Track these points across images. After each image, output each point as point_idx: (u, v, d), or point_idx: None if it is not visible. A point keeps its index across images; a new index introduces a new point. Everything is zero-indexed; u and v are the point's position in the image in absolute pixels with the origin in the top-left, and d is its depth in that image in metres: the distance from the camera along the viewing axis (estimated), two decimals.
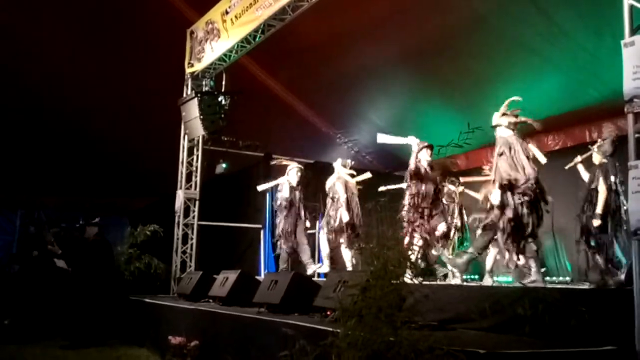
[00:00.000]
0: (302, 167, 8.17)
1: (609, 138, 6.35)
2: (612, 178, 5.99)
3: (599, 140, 6.54)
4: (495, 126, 5.92)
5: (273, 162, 8.50)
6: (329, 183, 7.96)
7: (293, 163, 8.12)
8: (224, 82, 8.93)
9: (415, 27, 7.96)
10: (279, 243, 7.97)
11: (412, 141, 6.73)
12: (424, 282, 3.69)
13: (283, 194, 7.88)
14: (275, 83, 10.62)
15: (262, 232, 10.80)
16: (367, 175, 8.21)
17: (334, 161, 8.14)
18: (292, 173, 7.94)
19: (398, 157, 11.07)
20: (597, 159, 6.36)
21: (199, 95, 8.55)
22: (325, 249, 7.93)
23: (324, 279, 6.45)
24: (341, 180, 7.79)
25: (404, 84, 9.25)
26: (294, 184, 7.89)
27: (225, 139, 9.52)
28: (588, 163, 6.52)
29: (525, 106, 8.54)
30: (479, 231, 7.21)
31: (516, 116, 5.87)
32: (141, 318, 7.68)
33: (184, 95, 9.21)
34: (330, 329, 3.63)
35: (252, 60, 10.05)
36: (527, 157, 5.60)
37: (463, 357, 2.94)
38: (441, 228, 6.40)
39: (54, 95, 10.36)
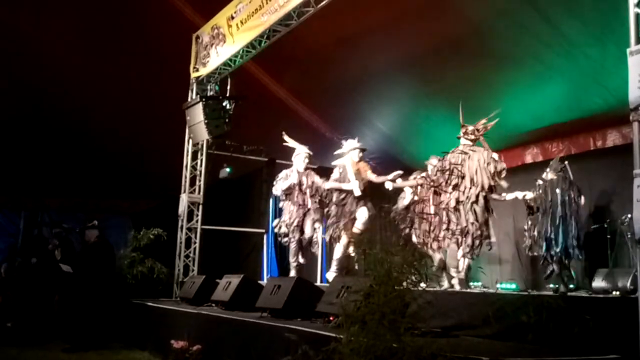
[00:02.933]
0: (311, 153, 7.80)
1: (557, 157, 7.26)
2: (558, 190, 6.79)
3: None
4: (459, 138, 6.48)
5: (285, 142, 7.97)
6: None
7: (302, 147, 7.78)
8: (228, 87, 8.95)
9: (419, 32, 7.97)
10: (283, 237, 7.67)
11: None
12: (428, 289, 3.68)
13: (289, 180, 7.58)
14: (280, 88, 10.64)
15: (265, 236, 10.80)
16: None
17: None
18: (299, 159, 7.68)
19: (401, 162, 11.09)
20: (549, 175, 7.05)
21: (203, 99, 8.57)
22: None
23: (327, 284, 6.44)
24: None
25: (408, 89, 9.25)
26: (301, 169, 7.63)
27: (229, 143, 9.54)
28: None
29: (530, 113, 8.60)
30: None
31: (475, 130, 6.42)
32: (143, 322, 7.68)
33: (189, 99, 9.24)
34: (333, 335, 3.62)
35: (256, 65, 10.08)
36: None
37: None
38: None
39: (58, 97, 10.40)
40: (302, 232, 7.48)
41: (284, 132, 7.85)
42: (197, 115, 8.57)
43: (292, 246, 7.56)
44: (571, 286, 7.20)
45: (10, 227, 12.74)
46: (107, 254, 7.86)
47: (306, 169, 7.69)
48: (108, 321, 7.74)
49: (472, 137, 6.34)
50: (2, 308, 8.25)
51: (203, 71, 9.21)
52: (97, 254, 7.74)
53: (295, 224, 7.49)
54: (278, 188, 7.66)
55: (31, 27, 9.48)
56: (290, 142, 7.83)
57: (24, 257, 8.96)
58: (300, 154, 7.70)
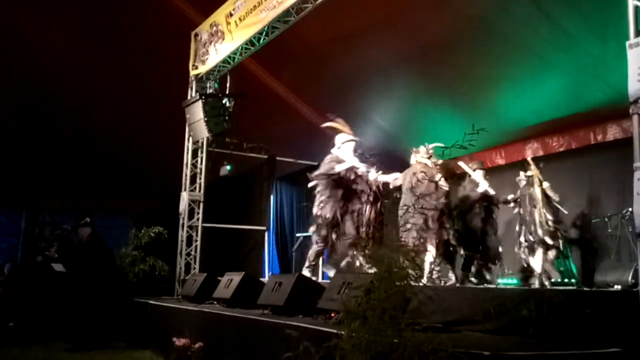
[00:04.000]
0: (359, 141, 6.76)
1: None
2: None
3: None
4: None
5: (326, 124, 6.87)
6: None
7: (347, 134, 6.65)
8: (228, 84, 8.95)
9: (418, 29, 7.96)
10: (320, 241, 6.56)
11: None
12: (428, 284, 3.68)
13: (346, 164, 6.43)
14: (279, 85, 10.64)
15: (266, 234, 10.80)
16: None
17: None
18: (348, 147, 6.60)
19: (402, 159, 11.09)
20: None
21: (203, 97, 8.57)
22: None
23: (328, 281, 6.43)
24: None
25: (408, 85, 9.25)
26: (346, 158, 6.49)
27: (229, 140, 9.54)
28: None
29: (530, 108, 8.59)
30: None
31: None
32: (145, 320, 7.69)
33: (189, 97, 9.24)
34: (334, 331, 3.62)
35: (255, 63, 10.08)
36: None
37: (467, 359, 2.93)
38: None
39: (58, 97, 10.41)
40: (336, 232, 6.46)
41: (330, 115, 6.78)
42: (196, 113, 8.57)
43: (317, 247, 6.64)
44: (572, 280, 7.22)
45: (12, 227, 12.77)
46: (100, 252, 7.80)
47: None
48: (110, 320, 7.73)
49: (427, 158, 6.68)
50: (4, 307, 8.26)
51: (202, 69, 9.20)
52: (90, 251, 7.71)
53: (333, 222, 6.46)
54: (334, 169, 6.43)
55: (31, 28, 9.46)
56: (339, 125, 6.73)
57: (26, 257, 8.98)
58: (351, 141, 6.67)
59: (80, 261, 7.72)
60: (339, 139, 6.71)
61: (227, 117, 8.58)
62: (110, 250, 8.10)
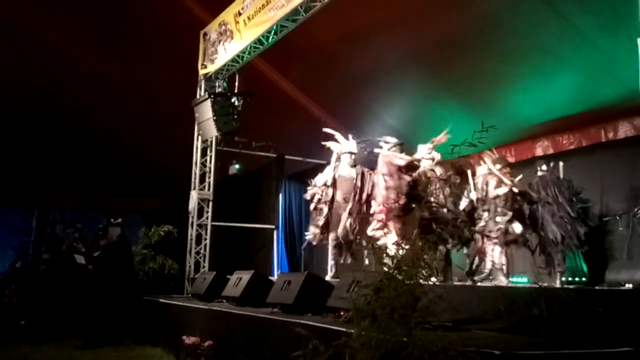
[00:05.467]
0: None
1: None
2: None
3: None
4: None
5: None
6: None
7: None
8: (236, 83, 8.96)
9: (428, 26, 7.93)
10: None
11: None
12: (438, 283, 3.67)
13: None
14: (288, 84, 10.63)
15: (275, 232, 10.81)
16: None
17: None
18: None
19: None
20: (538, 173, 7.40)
21: (212, 96, 8.59)
22: None
23: (338, 279, 6.43)
24: None
25: (417, 83, 9.21)
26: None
27: (238, 139, 9.55)
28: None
29: (541, 105, 8.53)
30: None
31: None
32: (155, 318, 7.73)
33: (198, 96, 9.26)
34: (344, 329, 3.62)
35: (264, 62, 10.08)
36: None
37: (477, 357, 2.92)
38: None
39: (70, 97, 10.46)
40: None
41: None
42: (205, 112, 8.60)
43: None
44: (583, 279, 7.17)
45: (24, 225, 12.87)
46: (127, 253, 7.91)
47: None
48: (121, 318, 7.78)
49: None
50: (16, 306, 8.32)
51: (211, 68, 9.23)
52: (120, 252, 7.79)
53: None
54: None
55: (45, 29, 9.49)
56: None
57: (37, 255, 9.04)
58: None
59: (107, 260, 7.77)
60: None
61: (235, 116, 8.60)
62: (132, 252, 8.16)
